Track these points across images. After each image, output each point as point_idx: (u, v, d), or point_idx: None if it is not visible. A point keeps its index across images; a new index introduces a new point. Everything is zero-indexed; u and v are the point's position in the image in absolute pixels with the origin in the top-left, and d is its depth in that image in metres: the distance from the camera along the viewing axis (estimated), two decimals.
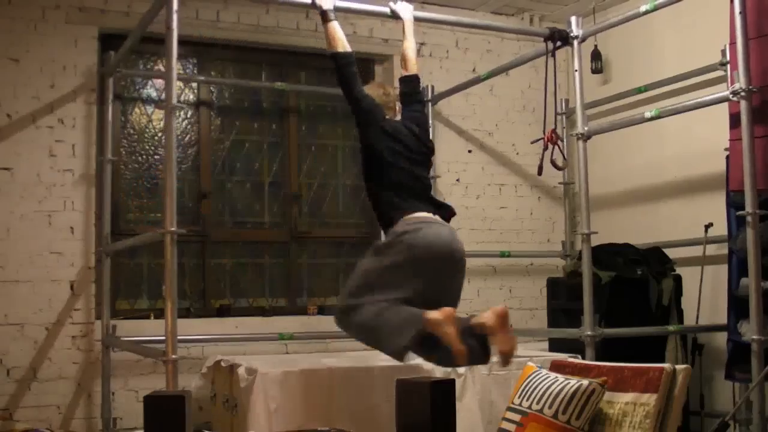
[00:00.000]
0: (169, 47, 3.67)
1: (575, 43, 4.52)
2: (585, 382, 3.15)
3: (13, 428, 4.39)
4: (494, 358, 3.23)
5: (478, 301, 5.98)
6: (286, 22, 5.58)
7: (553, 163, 4.56)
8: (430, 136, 3.93)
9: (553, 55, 4.58)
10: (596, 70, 5.89)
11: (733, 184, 4.02)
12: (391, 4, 4.12)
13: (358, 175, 5.94)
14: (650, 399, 3.03)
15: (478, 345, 3.14)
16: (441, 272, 3.28)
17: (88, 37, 5.07)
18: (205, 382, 4.67)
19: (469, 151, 6.10)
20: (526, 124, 6.15)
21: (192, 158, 5.50)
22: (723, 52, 4.85)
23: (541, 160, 4.50)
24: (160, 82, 5.41)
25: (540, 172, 4.54)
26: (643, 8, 4.20)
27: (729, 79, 4.07)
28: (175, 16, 3.67)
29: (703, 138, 5.13)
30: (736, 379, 4.41)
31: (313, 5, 3.86)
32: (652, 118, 4.24)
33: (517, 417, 3.26)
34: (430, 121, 5.84)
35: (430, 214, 3.39)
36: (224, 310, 5.34)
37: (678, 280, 5.02)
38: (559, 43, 4.58)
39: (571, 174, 5.92)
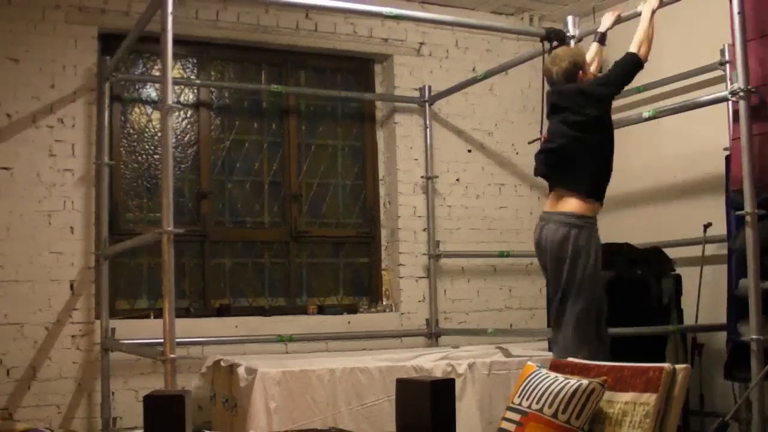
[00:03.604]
0: (164, 49, 3.68)
1: (572, 42, 4.53)
2: (585, 381, 3.15)
3: (13, 428, 4.39)
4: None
5: (478, 300, 5.99)
6: (285, 22, 5.59)
7: None
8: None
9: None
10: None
11: (737, 183, 4.03)
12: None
13: (357, 175, 5.97)
14: (650, 399, 3.03)
15: None
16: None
17: (88, 37, 5.07)
18: (205, 382, 4.68)
19: (469, 151, 6.10)
20: (526, 124, 6.15)
21: (192, 158, 5.50)
22: (722, 51, 4.86)
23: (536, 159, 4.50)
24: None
25: (536, 173, 4.54)
26: (640, 8, 4.19)
27: (728, 79, 4.07)
28: (170, 18, 3.66)
29: (702, 138, 5.13)
30: (736, 379, 4.40)
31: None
32: (649, 118, 4.24)
33: (516, 416, 3.25)
34: (428, 121, 5.87)
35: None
36: (224, 309, 5.34)
37: (678, 280, 5.01)
38: (555, 43, 4.59)
39: None
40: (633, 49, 3.93)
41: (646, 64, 3.97)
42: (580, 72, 3.95)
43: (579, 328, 3.78)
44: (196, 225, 5.42)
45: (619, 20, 4.31)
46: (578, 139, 3.86)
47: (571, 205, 3.85)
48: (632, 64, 3.91)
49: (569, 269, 3.78)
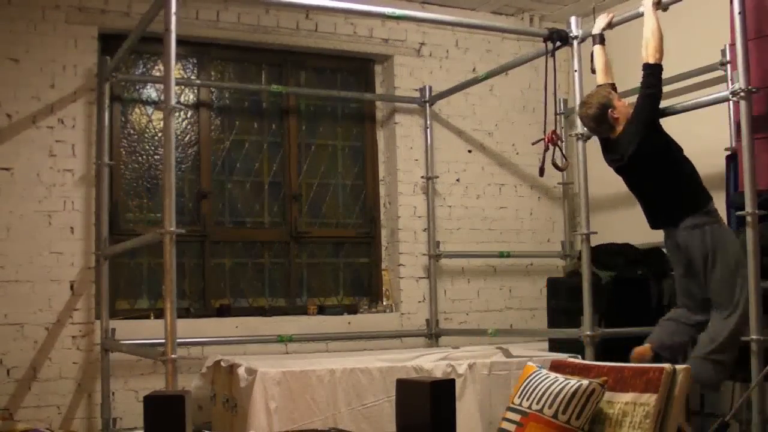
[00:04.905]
0: (167, 49, 3.67)
1: (575, 43, 4.53)
2: (585, 382, 3.15)
3: (14, 428, 4.39)
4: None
5: (478, 301, 5.99)
6: (286, 22, 5.59)
7: (554, 164, 4.57)
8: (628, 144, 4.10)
9: (553, 56, 4.59)
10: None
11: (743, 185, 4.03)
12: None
13: (357, 175, 5.97)
14: (650, 399, 3.03)
15: None
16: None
17: (88, 37, 5.07)
18: (205, 382, 4.67)
19: (469, 151, 6.10)
20: (526, 124, 6.15)
21: (192, 158, 5.50)
22: (723, 52, 4.85)
23: (543, 161, 4.51)
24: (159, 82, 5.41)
25: (542, 173, 4.55)
26: (641, 9, 4.20)
27: (729, 80, 4.07)
28: (173, 18, 3.66)
29: (702, 138, 5.12)
30: (739, 379, 4.40)
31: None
32: None
33: (517, 417, 3.26)
34: (428, 122, 5.86)
35: None
36: (224, 309, 5.34)
37: None
38: (558, 44, 4.60)
39: (571, 174, 5.92)
40: (645, 56, 4.00)
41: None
42: (610, 110, 4.06)
43: None
44: (196, 225, 5.42)
45: (611, 23, 4.34)
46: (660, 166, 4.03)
47: None
48: (652, 74, 4.00)
49: None
